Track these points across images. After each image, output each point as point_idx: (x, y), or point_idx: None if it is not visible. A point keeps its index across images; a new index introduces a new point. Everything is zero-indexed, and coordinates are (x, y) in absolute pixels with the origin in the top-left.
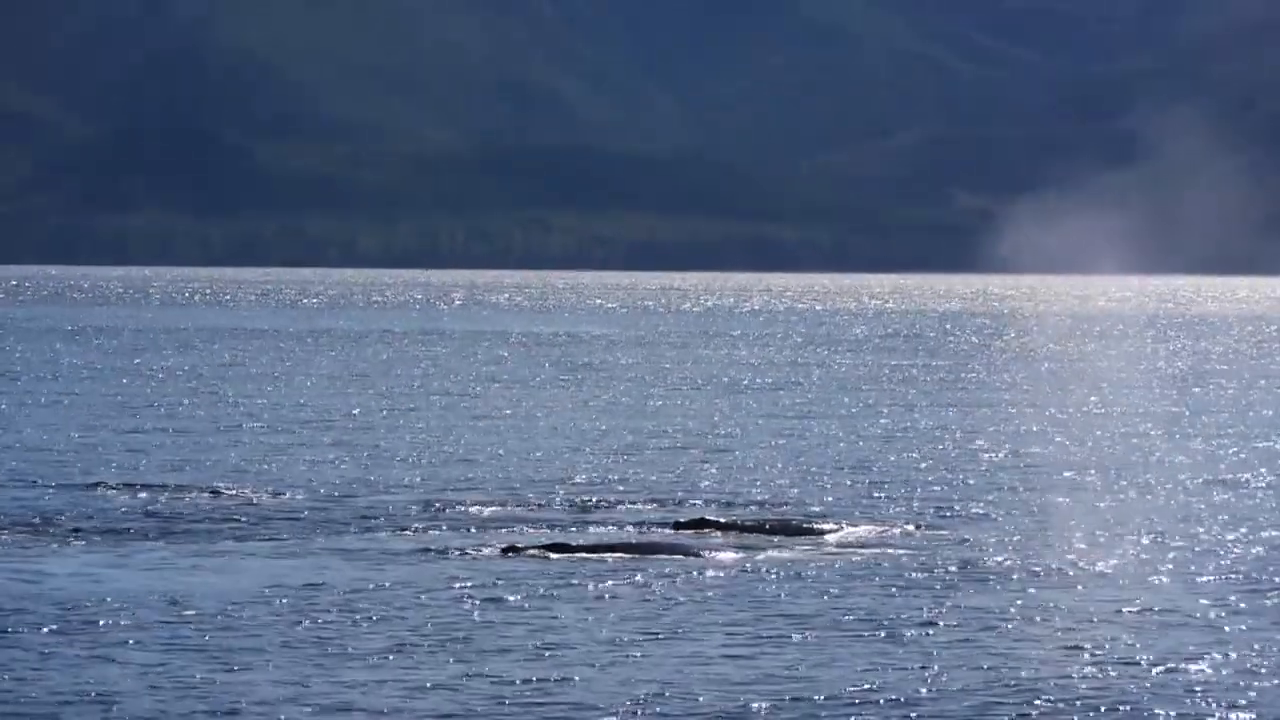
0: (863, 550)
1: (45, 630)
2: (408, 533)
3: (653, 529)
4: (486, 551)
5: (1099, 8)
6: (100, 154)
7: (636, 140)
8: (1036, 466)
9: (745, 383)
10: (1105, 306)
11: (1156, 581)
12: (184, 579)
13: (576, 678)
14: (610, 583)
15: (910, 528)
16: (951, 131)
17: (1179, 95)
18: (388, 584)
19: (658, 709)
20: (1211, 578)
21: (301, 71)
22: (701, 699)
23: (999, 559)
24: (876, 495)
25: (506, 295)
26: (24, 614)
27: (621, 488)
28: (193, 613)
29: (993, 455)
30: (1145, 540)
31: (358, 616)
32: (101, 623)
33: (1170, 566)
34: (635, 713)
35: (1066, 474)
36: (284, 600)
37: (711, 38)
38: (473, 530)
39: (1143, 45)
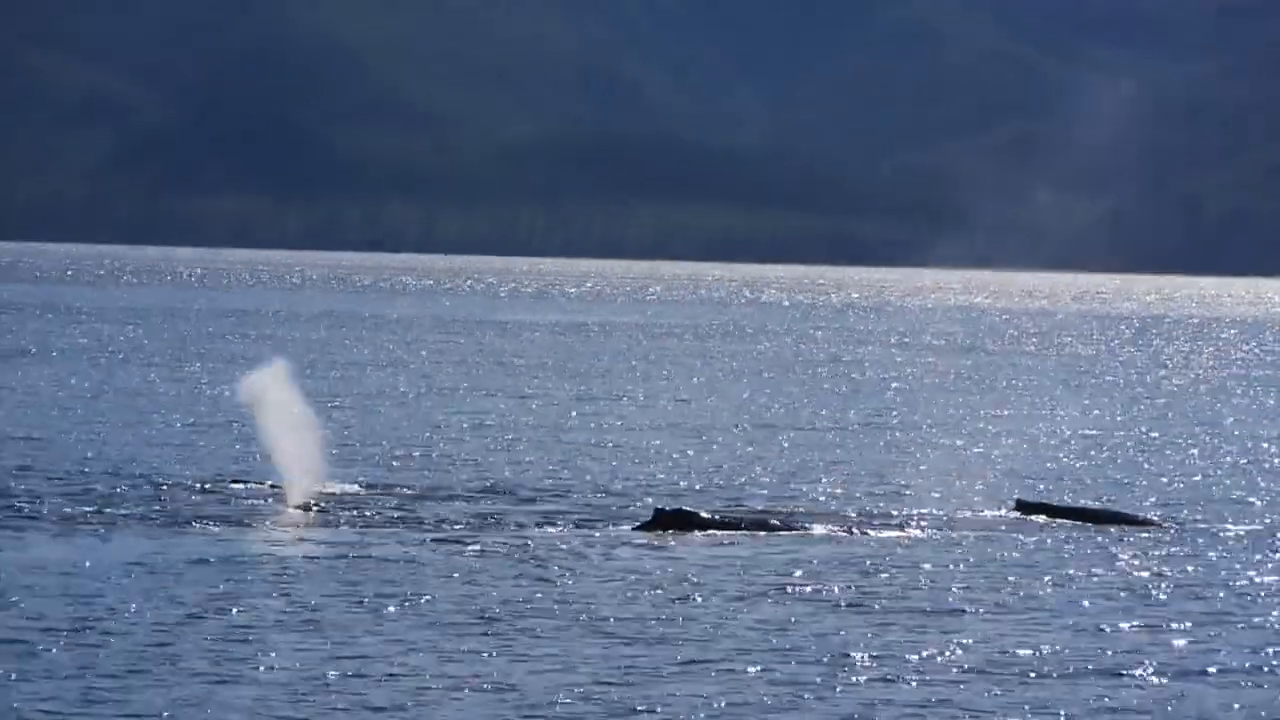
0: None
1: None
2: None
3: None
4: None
5: (1183, 9)
6: (181, 137)
7: (718, 133)
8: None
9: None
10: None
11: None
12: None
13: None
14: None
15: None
16: (1036, 130)
17: (1262, 98)
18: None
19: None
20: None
21: (383, 60)
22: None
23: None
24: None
25: (586, 285)
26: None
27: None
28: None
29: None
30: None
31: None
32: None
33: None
34: None
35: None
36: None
37: (797, 31)
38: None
39: (1224, 47)
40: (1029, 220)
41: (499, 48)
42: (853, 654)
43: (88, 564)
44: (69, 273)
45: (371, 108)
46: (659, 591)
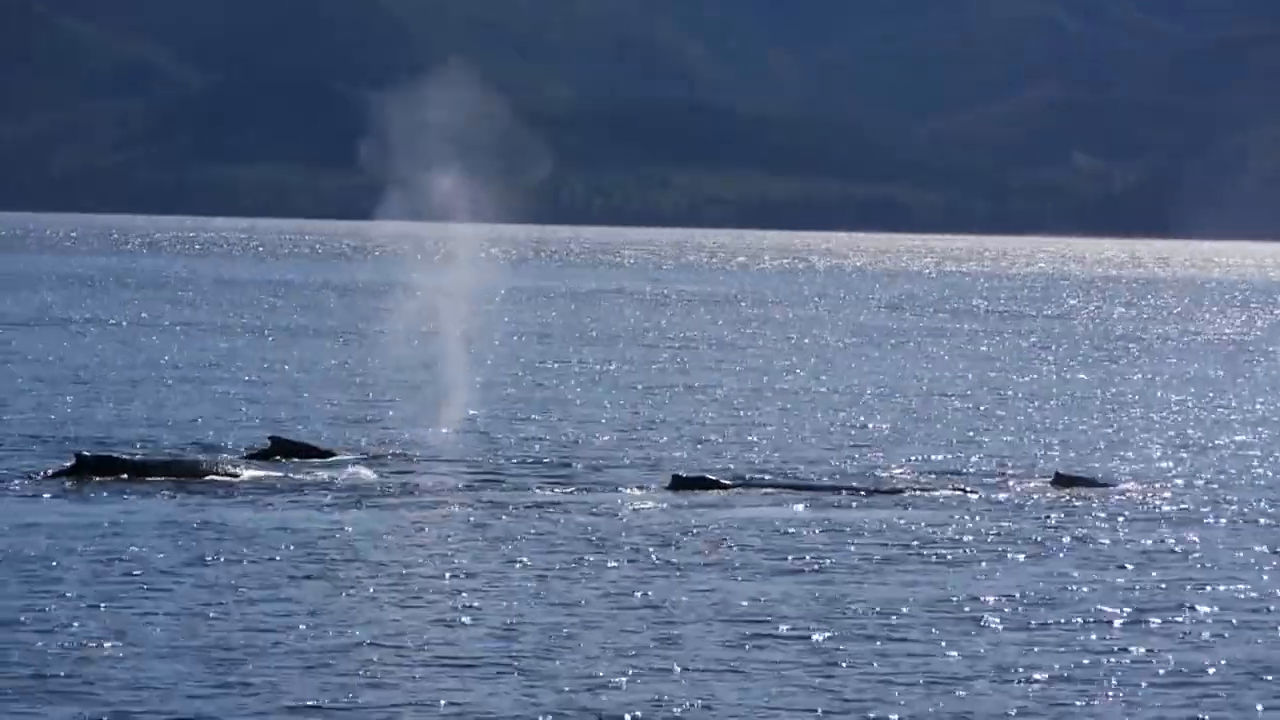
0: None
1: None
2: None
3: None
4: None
5: None
6: (214, 105)
7: (754, 99)
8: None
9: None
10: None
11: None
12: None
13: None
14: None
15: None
16: (1070, 94)
17: None
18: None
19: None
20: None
21: (418, 25)
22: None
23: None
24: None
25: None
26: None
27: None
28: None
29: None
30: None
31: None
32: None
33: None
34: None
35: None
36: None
37: None
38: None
39: (1262, 11)
40: (1066, 184)
41: (535, 14)
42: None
43: (142, 525)
44: (109, 240)
45: (408, 74)
46: (677, 555)
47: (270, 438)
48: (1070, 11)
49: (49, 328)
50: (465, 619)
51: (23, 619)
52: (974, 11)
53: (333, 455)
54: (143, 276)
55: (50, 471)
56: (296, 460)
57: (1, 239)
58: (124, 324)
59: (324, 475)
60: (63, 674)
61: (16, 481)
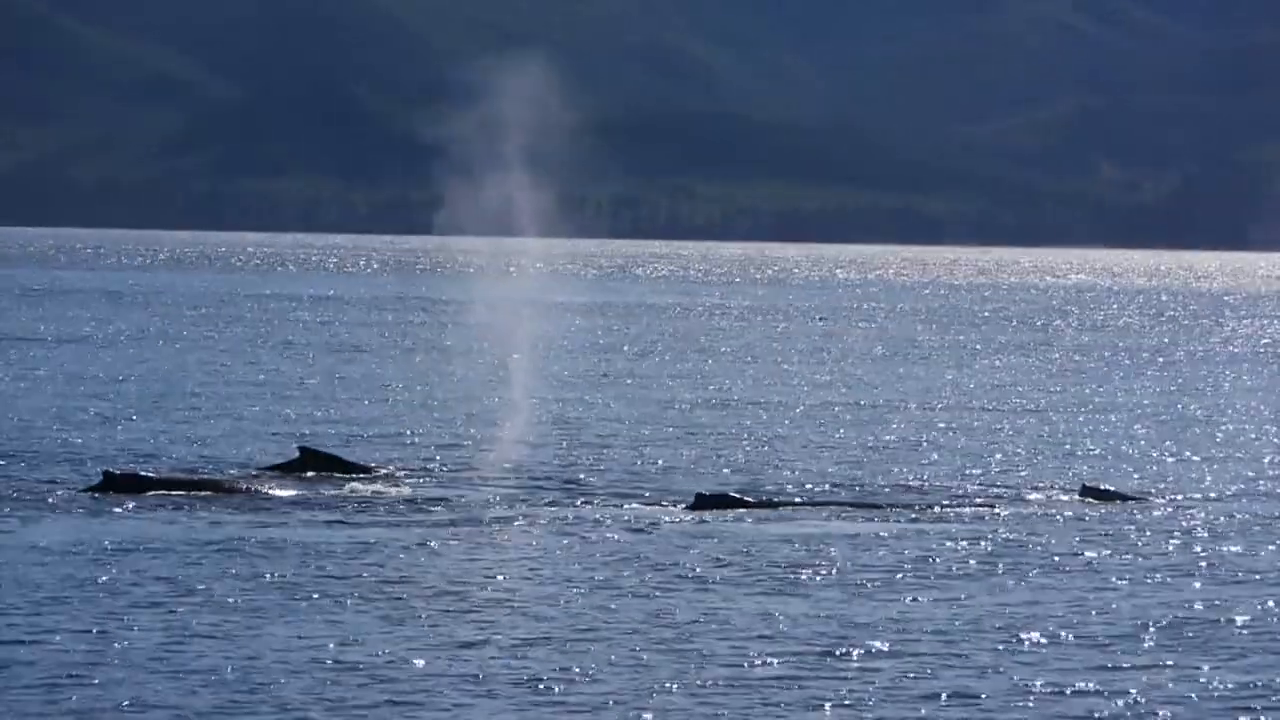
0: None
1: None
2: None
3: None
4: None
5: None
6: (245, 118)
7: (781, 108)
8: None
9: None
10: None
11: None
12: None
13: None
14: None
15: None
16: (1098, 102)
17: None
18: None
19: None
20: None
21: (444, 37)
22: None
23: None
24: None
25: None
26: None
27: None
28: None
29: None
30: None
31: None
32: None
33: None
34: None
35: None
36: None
37: (857, 5)
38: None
39: None
40: (1094, 194)
41: (561, 24)
42: (904, 634)
43: (179, 541)
44: (132, 258)
45: (435, 87)
46: (698, 574)
47: (300, 448)
48: (1095, 19)
49: (77, 343)
50: (484, 638)
51: (46, 636)
52: (999, 20)
53: (364, 470)
54: (173, 291)
55: (78, 489)
56: (326, 474)
57: (31, 253)
58: (153, 339)
59: (352, 490)
60: (83, 693)
61: (44, 499)
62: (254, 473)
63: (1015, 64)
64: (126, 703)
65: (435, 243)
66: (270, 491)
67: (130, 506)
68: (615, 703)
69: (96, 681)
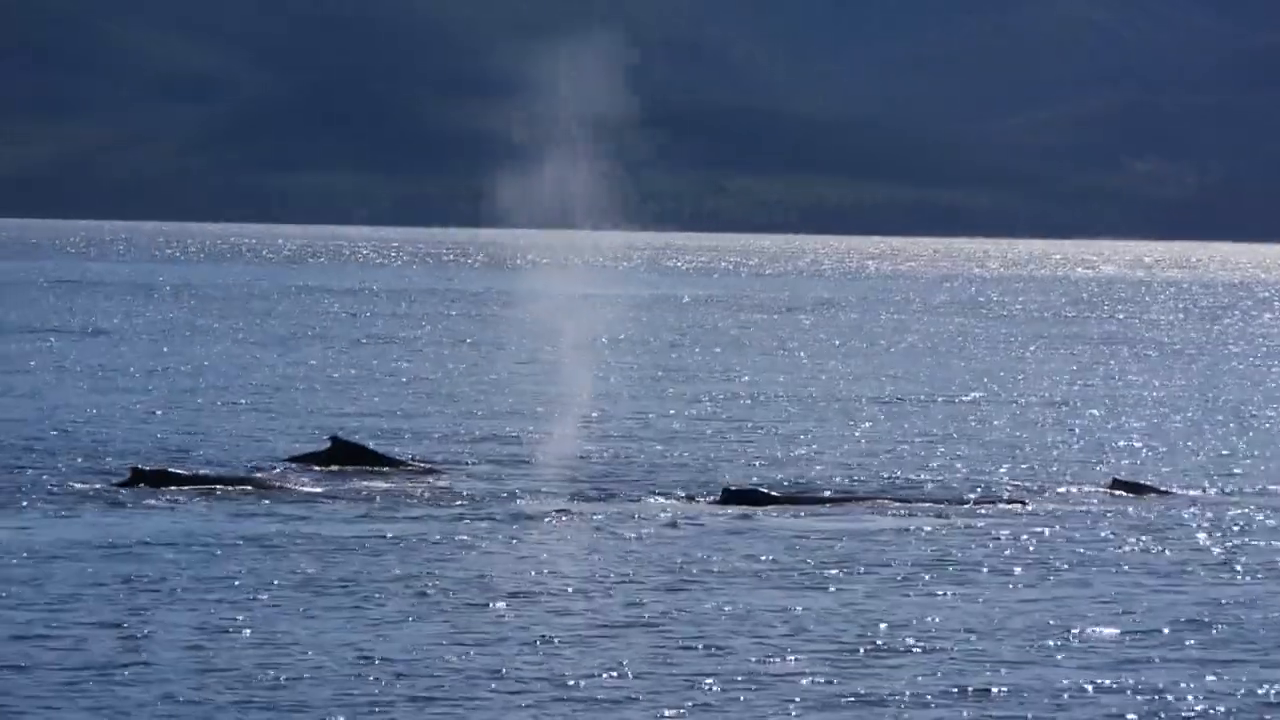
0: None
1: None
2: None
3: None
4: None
5: None
6: (271, 112)
7: (809, 103)
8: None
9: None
10: None
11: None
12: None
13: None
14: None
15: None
16: (1129, 98)
17: None
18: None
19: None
20: None
21: (474, 34)
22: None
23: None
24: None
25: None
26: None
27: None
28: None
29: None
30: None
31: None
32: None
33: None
34: None
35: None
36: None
37: (893, 0)
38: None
39: None
40: (1123, 188)
41: (589, 17)
42: (935, 628)
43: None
44: (162, 250)
45: (464, 80)
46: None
47: (331, 438)
48: (1125, 13)
49: (107, 337)
50: (509, 634)
51: (73, 632)
52: (1029, 15)
53: (395, 463)
54: (202, 284)
55: (108, 483)
56: (356, 467)
57: (60, 246)
58: (182, 332)
59: (381, 485)
60: (110, 690)
61: (73, 494)
62: (282, 465)
63: (1045, 58)
64: (155, 699)
65: (466, 235)
66: (299, 487)
67: (157, 502)
68: (641, 699)
69: (123, 678)
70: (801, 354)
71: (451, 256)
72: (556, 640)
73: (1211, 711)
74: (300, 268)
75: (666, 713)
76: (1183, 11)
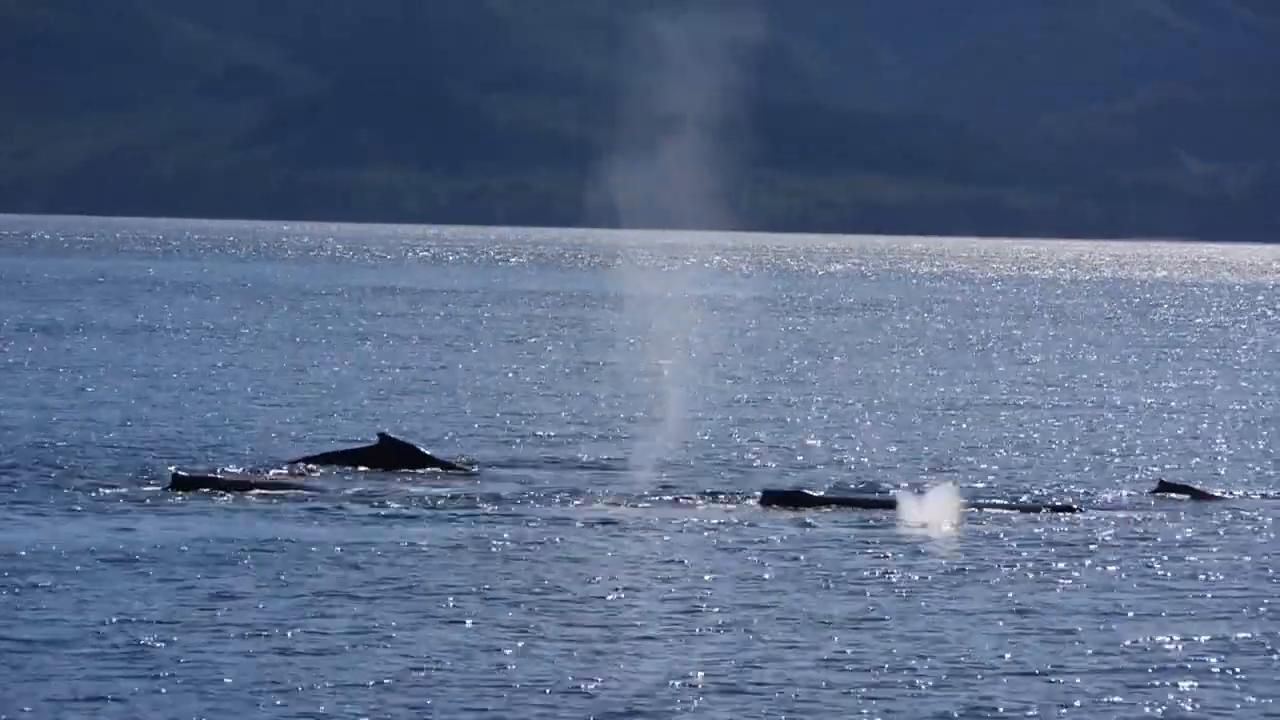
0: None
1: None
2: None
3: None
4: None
5: None
6: (327, 108)
7: (864, 99)
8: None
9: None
10: None
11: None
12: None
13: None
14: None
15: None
16: (1183, 94)
17: None
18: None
19: None
20: None
21: (531, 28)
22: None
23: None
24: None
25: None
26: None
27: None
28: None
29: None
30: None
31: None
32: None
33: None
34: None
35: None
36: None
37: None
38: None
39: None
40: (1177, 187)
41: (641, 16)
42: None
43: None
44: (211, 249)
45: (519, 77)
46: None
47: (380, 434)
48: (1179, 10)
49: (156, 335)
50: (543, 638)
51: (100, 637)
52: (1083, 11)
53: (443, 465)
54: (254, 282)
55: (151, 486)
56: (401, 469)
57: (110, 243)
58: (231, 332)
59: (427, 488)
60: (140, 690)
61: (109, 500)
62: (326, 466)
63: (1099, 55)
64: (174, 707)
65: (518, 234)
66: (338, 490)
67: (197, 507)
68: (668, 697)
69: (176, 686)
70: (849, 355)
71: (503, 256)
72: (590, 644)
73: (1263, 713)
74: (353, 266)
75: (703, 715)
76: (1240, 7)
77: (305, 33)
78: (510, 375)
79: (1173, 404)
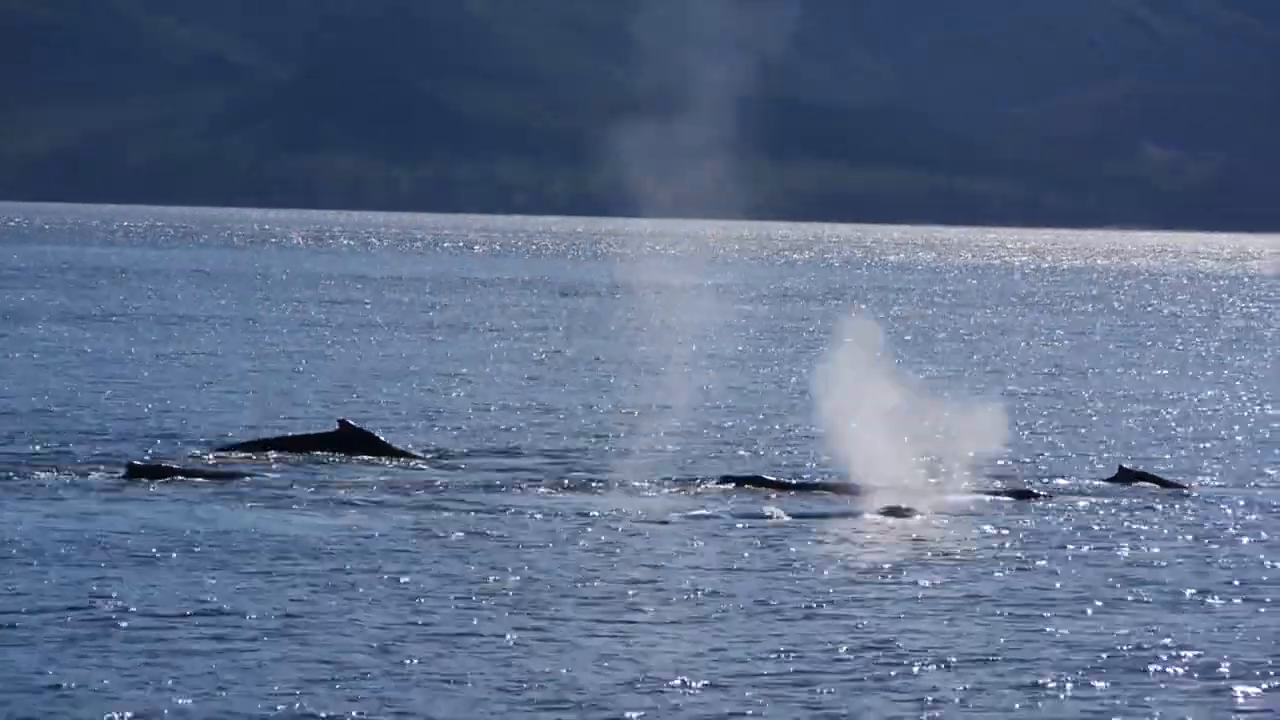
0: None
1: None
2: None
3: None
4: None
5: None
6: (292, 97)
7: (831, 91)
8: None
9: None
10: None
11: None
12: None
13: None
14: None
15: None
16: (1147, 87)
17: None
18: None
19: None
20: None
21: (499, 22)
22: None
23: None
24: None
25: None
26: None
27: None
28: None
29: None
30: None
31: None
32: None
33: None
34: None
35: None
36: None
37: None
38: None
39: None
40: (1141, 177)
41: (612, 5)
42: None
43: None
44: (185, 235)
45: (483, 67)
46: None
47: (339, 421)
48: (1144, 4)
49: (114, 322)
50: (497, 628)
51: (53, 625)
52: (1048, 5)
53: (399, 454)
54: (215, 269)
55: (109, 475)
56: (359, 456)
57: (81, 230)
58: (199, 318)
59: (382, 477)
60: (94, 678)
61: (63, 488)
62: (281, 454)
63: (1064, 47)
64: (127, 693)
65: (482, 221)
66: (295, 477)
67: (152, 495)
68: (632, 690)
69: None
70: (809, 345)
71: (479, 244)
72: (556, 632)
73: (1222, 699)
74: (316, 252)
75: (694, 712)
76: (1209, 4)
77: (272, 23)
78: (472, 364)
79: (1133, 391)
